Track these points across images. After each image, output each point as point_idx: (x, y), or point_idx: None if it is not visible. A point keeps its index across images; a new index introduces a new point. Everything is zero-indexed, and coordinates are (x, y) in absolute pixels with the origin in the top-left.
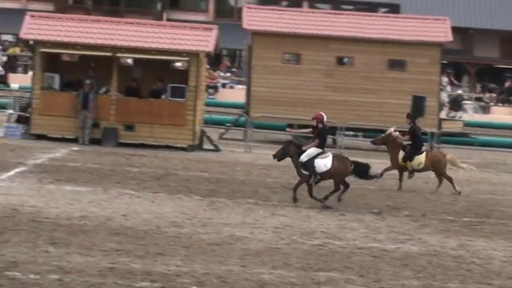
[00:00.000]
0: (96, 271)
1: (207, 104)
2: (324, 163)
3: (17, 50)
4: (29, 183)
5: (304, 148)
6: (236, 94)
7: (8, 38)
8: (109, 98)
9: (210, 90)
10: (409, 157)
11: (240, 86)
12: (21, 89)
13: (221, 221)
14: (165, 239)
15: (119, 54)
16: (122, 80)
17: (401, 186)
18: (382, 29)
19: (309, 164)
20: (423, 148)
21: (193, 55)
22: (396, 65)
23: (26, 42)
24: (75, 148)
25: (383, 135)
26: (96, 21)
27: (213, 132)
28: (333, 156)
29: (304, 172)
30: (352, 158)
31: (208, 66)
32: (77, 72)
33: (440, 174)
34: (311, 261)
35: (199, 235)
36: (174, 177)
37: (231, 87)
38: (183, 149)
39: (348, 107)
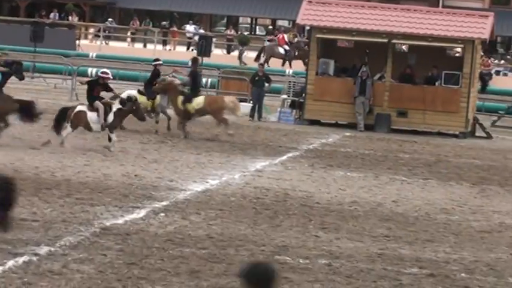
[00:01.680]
0: (365, 257)
1: (481, 91)
2: None
3: (291, 36)
4: (301, 168)
5: None
6: (510, 81)
7: (284, 23)
8: (383, 85)
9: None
10: (187, 100)
11: None
12: (295, 74)
13: (491, 208)
14: (434, 226)
15: (395, 41)
16: (396, 67)
17: (186, 135)
18: None
19: None
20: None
21: (469, 42)
22: None
23: (302, 27)
24: (347, 134)
25: (163, 83)
26: (372, 8)
27: (486, 120)
28: None
29: None
30: None
31: (482, 53)
32: (350, 58)
33: (216, 117)
34: None
35: (469, 222)
36: (445, 164)
37: (505, 75)
38: (455, 135)
39: None
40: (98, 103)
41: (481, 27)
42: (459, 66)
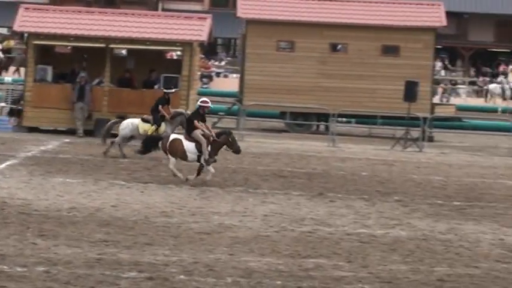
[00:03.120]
0: (83, 262)
1: (201, 93)
2: None
3: (11, 43)
4: (19, 176)
5: None
6: (231, 83)
7: (3, 30)
8: (102, 89)
9: (204, 80)
10: None
11: (235, 75)
12: (14, 82)
13: (211, 209)
14: (153, 229)
15: (112, 45)
16: (115, 71)
17: None
18: (375, 15)
19: None
20: None
21: (187, 45)
22: (390, 50)
23: (20, 34)
24: (67, 140)
25: None
26: (90, 13)
27: (208, 121)
28: None
29: None
30: (344, 144)
31: (202, 56)
32: (70, 64)
33: None
34: (299, 248)
35: (188, 224)
36: (165, 167)
37: (226, 76)
38: None
39: (341, 93)
40: (200, 136)
41: (199, 30)
42: (179, 69)
